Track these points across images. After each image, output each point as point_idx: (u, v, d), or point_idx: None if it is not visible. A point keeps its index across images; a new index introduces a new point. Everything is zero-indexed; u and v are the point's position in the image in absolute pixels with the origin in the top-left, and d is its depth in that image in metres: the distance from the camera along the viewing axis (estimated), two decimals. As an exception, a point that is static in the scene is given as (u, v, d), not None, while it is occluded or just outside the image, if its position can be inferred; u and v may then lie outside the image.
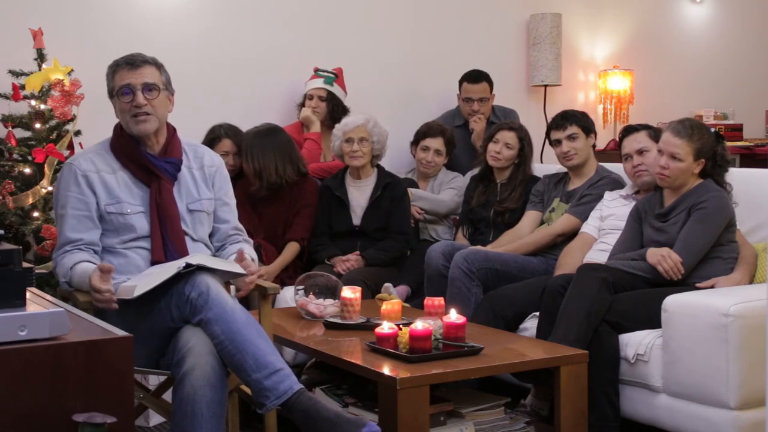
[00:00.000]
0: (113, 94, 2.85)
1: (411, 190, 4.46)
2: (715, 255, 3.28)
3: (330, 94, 4.67)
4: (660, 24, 6.27)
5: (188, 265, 2.59)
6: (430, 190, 4.62)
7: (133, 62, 2.83)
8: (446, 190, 4.58)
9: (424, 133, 4.64)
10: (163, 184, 2.85)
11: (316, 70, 4.72)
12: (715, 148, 3.37)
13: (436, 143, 4.60)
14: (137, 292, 2.55)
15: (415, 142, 4.70)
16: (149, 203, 2.83)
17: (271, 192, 4.14)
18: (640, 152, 3.62)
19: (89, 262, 2.72)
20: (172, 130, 2.94)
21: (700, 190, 3.33)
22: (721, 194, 3.32)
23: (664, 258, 3.20)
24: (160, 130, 2.87)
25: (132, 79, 2.81)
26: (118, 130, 2.90)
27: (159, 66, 2.89)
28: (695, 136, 3.32)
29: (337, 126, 4.34)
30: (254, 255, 2.98)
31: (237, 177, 4.16)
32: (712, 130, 3.46)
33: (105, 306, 2.58)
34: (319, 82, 4.68)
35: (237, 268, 2.75)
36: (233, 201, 3.07)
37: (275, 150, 4.13)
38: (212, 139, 4.24)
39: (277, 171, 4.10)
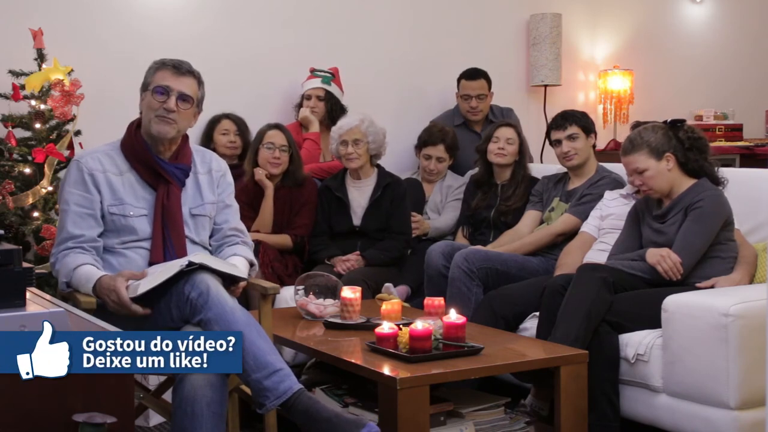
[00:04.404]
0: (147, 88, 2.85)
1: (428, 224, 4.48)
2: (713, 254, 3.28)
3: (328, 93, 4.68)
4: (660, 24, 6.27)
5: (190, 264, 2.59)
6: (438, 191, 4.62)
7: (179, 68, 2.84)
8: (453, 203, 4.57)
9: (424, 141, 4.64)
10: (171, 189, 2.85)
11: (313, 71, 4.73)
12: (677, 135, 3.37)
13: (437, 151, 4.61)
14: (141, 290, 2.55)
15: (418, 147, 4.70)
16: (154, 206, 2.83)
17: (279, 189, 4.16)
18: None
19: (93, 266, 2.72)
20: (185, 138, 2.95)
21: (695, 189, 3.32)
22: (717, 192, 3.32)
23: (663, 258, 3.20)
24: (175, 138, 2.87)
25: (172, 83, 2.82)
26: (133, 129, 2.90)
27: (200, 82, 2.91)
28: (638, 141, 3.35)
29: (333, 128, 4.35)
30: (253, 259, 2.98)
31: (239, 167, 4.22)
32: (667, 120, 3.45)
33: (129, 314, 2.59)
34: (316, 82, 4.69)
35: (238, 271, 2.75)
36: (235, 204, 3.07)
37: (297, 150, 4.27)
38: (212, 123, 4.34)
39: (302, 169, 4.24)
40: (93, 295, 2.63)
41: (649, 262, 3.24)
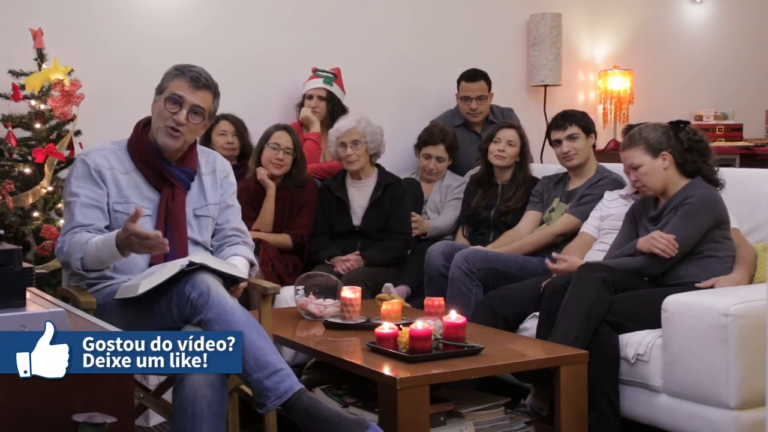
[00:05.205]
0: (161, 93, 2.84)
1: (428, 223, 4.48)
2: (711, 254, 3.27)
3: (329, 93, 4.68)
4: (660, 24, 6.27)
5: (191, 264, 2.59)
6: (437, 191, 4.62)
7: (196, 81, 2.81)
8: (452, 202, 4.57)
9: (425, 140, 4.64)
10: (176, 192, 2.86)
11: (315, 71, 4.73)
12: (677, 135, 3.37)
13: (437, 151, 4.60)
14: (141, 289, 2.55)
15: (418, 146, 4.70)
16: (158, 208, 2.83)
17: (280, 189, 4.17)
18: None
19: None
20: (193, 142, 2.94)
21: (688, 188, 3.33)
22: (709, 191, 3.31)
23: (655, 239, 3.20)
24: (180, 147, 2.87)
25: (187, 94, 2.80)
26: (140, 130, 2.90)
27: (216, 95, 2.88)
28: (637, 137, 3.37)
29: (330, 131, 4.34)
30: (253, 259, 2.98)
31: (237, 167, 4.21)
32: (671, 120, 3.46)
33: (159, 250, 2.56)
34: (318, 82, 4.69)
35: (238, 272, 2.75)
36: (237, 205, 3.08)
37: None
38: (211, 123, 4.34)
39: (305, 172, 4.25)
40: (116, 252, 2.61)
41: (643, 250, 3.23)
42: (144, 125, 2.90)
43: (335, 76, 4.73)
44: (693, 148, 3.38)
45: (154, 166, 2.85)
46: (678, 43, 6.33)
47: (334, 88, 4.70)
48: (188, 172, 2.90)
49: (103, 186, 2.80)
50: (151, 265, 2.80)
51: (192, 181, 2.92)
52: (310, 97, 4.67)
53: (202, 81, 2.83)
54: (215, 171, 3.00)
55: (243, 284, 2.80)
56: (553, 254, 3.55)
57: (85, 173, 2.81)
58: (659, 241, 3.19)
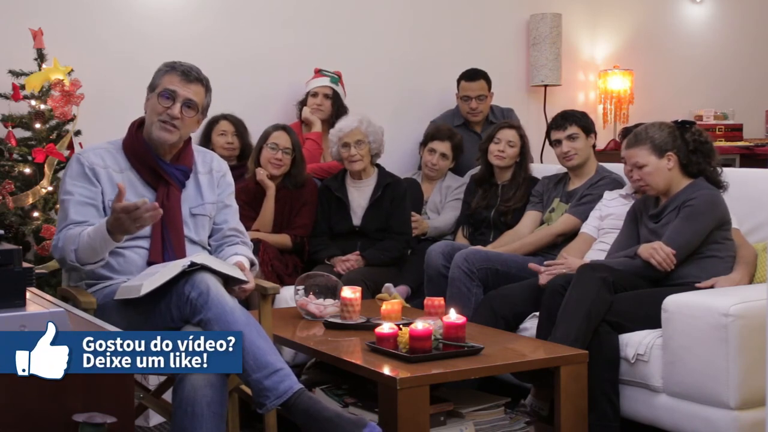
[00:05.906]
0: (153, 90, 2.85)
1: (427, 223, 4.48)
2: (711, 254, 3.27)
3: (335, 93, 4.68)
4: (660, 24, 6.27)
5: (192, 264, 2.59)
6: (437, 191, 4.62)
7: (188, 75, 2.83)
8: (452, 203, 4.57)
9: (432, 135, 4.64)
10: (171, 190, 2.86)
11: (319, 71, 4.73)
12: (683, 135, 3.37)
13: (443, 147, 4.60)
14: (144, 291, 2.55)
15: (424, 142, 4.70)
16: None
17: (280, 190, 4.17)
18: None
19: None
20: (187, 140, 2.94)
21: (690, 188, 3.33)
22: (712, 192, 3.31)
23: (655, 250, 3.21)
24: (176, 143, 2.88)
25: (179, 88, 2.81)
26: (134, 129, 2.90)
27: (208, 89, 2.90)
28: (643, 136, 3.36)
29: (331, 132, 4.34)
30: (253, 258, 2.98)
31: (237, 167, 4.20)
32: (678, 120, 3.45)
33: (151, 218, 2.55)
34: (325, 80, 4.69)
35: (239, 273, 2.75)
36: (235, 205, 3.08)
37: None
38: (210, 123, 4.33)
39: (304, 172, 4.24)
40: (108, 238, 2.60)
41: (642, 257, 3.24)
42: (138, 125, 2.91)
43: (339, 78, 4.74)
44: (698, 149, 3.38)
45: (149, 164, 2.85)
46: (678, 43, 6.33)
47: (339, 89, 4.71)
48: (183, 170, 2.90)
49: (97, 184, 2.81)
50: (150, 264, 2.80)
51: (187, 179, 2.92)
52: (315, 95, 4.67)
53: (193, 75, 2.84)
54: (212, 170, 3.00)
55: (251, 285, 2.79)
56: (562, 252, 3.56)
57: (79, 172, 2.82)
58: (659, 253, 3.20)
